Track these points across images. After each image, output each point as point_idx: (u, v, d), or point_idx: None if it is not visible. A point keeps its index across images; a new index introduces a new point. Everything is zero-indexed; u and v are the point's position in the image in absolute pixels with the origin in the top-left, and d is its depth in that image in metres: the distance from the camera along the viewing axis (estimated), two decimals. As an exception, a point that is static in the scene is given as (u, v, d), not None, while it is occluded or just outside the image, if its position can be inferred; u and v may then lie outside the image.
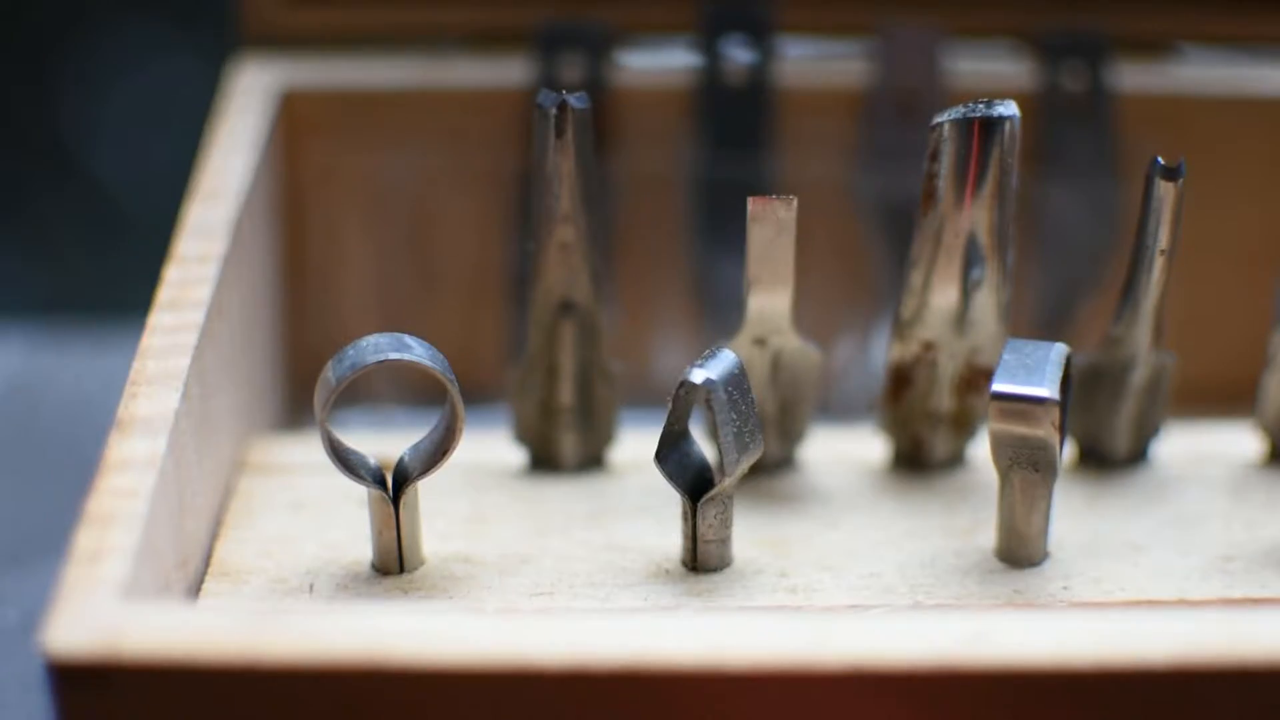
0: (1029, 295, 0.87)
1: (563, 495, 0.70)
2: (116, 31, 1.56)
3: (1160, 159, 0.64)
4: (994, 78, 0.88)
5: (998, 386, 0.63)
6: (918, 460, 0.72)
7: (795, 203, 0.65)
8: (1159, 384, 0.71)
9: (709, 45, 0.85)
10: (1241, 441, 0.74)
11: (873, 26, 0.87)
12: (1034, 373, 0.63)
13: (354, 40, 0.87)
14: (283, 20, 0.87)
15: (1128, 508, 0.70)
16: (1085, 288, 0.87)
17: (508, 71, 0.87)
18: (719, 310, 0.83)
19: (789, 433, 0.71)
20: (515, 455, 0.72)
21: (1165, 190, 0.64)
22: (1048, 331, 0.86)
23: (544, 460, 0.72)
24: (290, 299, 0.86)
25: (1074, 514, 0.69)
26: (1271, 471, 0.72)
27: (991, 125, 0.65)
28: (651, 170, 0.85)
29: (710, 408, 0.63)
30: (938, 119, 0.65)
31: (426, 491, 0.69)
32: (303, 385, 0.82)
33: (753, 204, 0.65)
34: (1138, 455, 0.72)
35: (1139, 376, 0.70)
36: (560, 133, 0.65)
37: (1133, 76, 0.89)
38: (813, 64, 0.88)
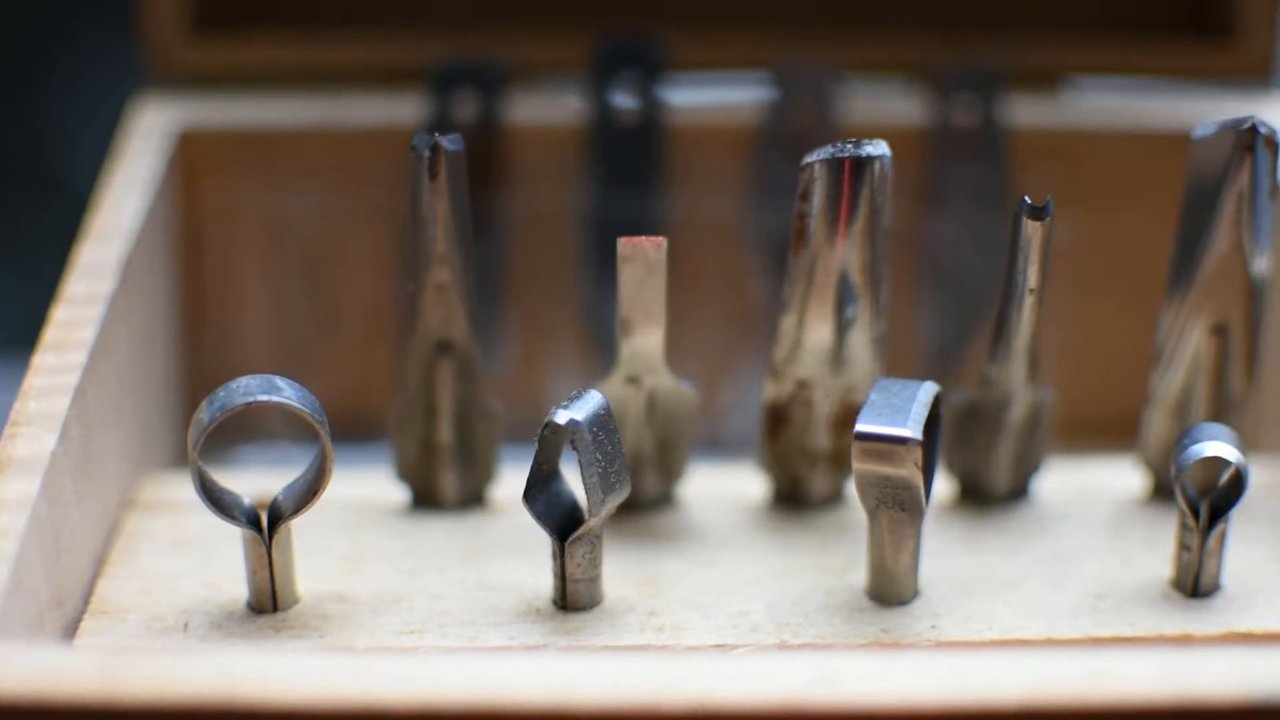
0: (923, 332, 0.87)
1: (442, 533, 0.71)
2: (98, 55, 1.56)
3: (1027, 198, 0.64)
4: (887, 113, 0.89)
5: (860, 426, 0.63)
6: (797, 498, 0.72)
7: (665, 244, 0.65)
8: (1038, 421, 0.71)
9: (601, 83, 0.86)
10: (1126, 477, 0.74)
11: (766, 62, 0.87)
12: (899, 412, 0.63)
13: (255, 79, 0.88)
14: (185, 59, 0.88)
15: (1004, 545, 0.70)
16: (979, 324, 0.87)
17: (404, 110, 0.87)
18: (611, 348, 0.83)
19: (668, 471, 0.71)
20: (398, 493, 0.73)
21: (1033, 229, 0.65)
22: (941, 368, 0.87)
23: (425, 498, 0.72)
24: (189, 336, 0.86)
25: (950, 552, 0.70)
26: (1153, 507, 0.72)
27: (861, 165, 0.65)
28: (546, 208, 0.86)
29: (575, 448, 0.63)
30: (807, 159, 0.65)
31: (308, 529, 0.70)
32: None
33: (622, 245, 0.65)
34: (1018, 492, 0.73)
35: (1016, 414, 0.70)
36: (434, 175, 0.66)
37: (1025, 110, 0.89)
38: (706, 101, 0.88)
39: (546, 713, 0.55)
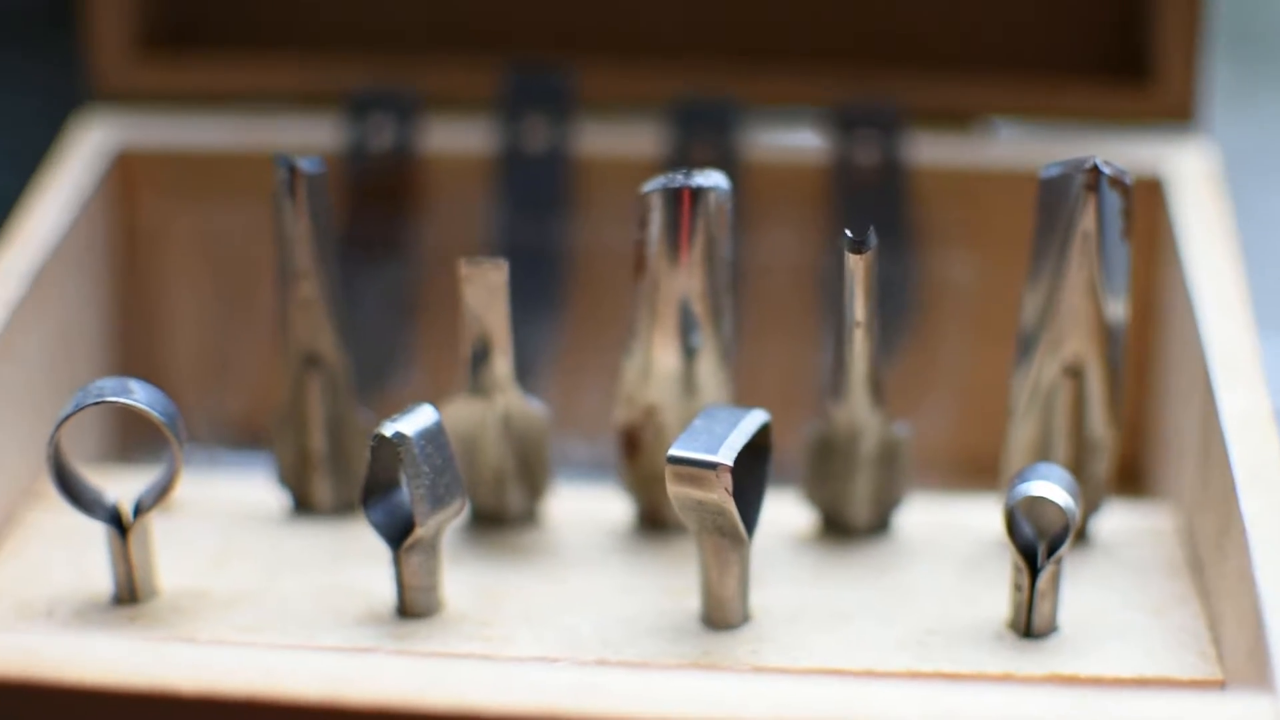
0: (825, 369, 0.88)
1: (311, 538, 0.73)
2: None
3: (849, 231, 0.65)
4: (790, 149, 0.90)
5: (673, 451, 0.64)
6: (657, 520, 0.73)
7: (506, 266, 0.67)
8: (894, 456, 0.72)
9: (511, 114, 0.88)
10: (991, 516, 0.74)
11: (671, 96, 0.88)
12: (716, 439, 0.64)
13: (191, 99, 0.91)
14: (126, 79, 0.91)
15: (850, 578, 0.71)
16: (880, 358, 0.87)
17: (325, 134, 0.89)
18: (519, 369, 0.84)
19: (531, 488, 0.73)
20: (279, 499, 0.76)
21: (855, 263, 0.65)
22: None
23: (302, 504, 0.75)
24: (123, 345, 0.89)
25: (796, 581, 0.70)
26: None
27: (696, 195, 0.66)
28: (456, 234, 0.88)
29: (402, 461, 0.65)
30: (645, 187, 0.67)
31: (187, 528, 0.73)
32: (133, 424, 0.85)
33: (463, 267, 0.67)
34: (879, 526, 0.73)
35: (867, 448, 0.71)
36: (293, 194, 0.69)
37: (931, 149, 0.88)
38: (612, 133, 0.90)
39: (314, 704, 0.58)
